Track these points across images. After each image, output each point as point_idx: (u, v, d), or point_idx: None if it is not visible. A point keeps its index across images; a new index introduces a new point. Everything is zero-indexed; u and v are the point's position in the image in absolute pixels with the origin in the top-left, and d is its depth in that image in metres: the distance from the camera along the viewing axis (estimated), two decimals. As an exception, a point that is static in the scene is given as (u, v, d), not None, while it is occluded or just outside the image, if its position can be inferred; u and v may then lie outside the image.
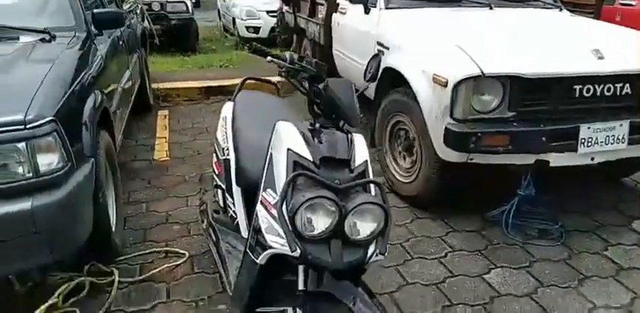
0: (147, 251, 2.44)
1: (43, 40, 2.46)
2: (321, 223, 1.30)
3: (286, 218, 1.30)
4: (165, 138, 4.14)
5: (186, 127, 4.47)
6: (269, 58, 1.50)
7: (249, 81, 2.38)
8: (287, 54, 1.55)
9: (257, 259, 1.44)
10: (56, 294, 1.95)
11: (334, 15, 4.31)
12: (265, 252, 1.40)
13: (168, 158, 3.71)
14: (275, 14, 7.96)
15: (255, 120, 2.07)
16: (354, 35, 3.90)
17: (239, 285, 1.63)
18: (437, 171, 2.73)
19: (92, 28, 2.78)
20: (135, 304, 2.08)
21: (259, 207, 1.45)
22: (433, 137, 2.65)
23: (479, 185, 3.00)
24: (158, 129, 4.34)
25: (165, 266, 2.31)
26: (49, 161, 1.71)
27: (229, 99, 2.32)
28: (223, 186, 2.00)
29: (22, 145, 1.65)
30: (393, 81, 3.05)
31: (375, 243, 1.36)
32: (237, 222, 1.89)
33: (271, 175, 1.46)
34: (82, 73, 2.25)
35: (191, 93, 5.44)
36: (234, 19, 9.08)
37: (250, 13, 8.60)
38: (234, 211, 1.92)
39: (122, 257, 2.36)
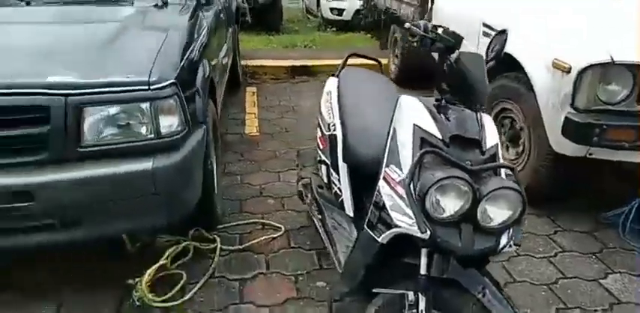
0: (244, 222, 2.46)
1: (156, 5, 2.50)
2: (450, 205, 1.23)
3: (415, 197, 1.23)
4: (255, 113, 4.18)
5: (274, 104, 4.50)
6: (407, 24, 1.41)
7: (350, 59, 2.30)
8: (421, 22, 1.45)
9: (378, 237, 1.37)
10: (165, 255, 2.00)
11: (434, -5, 4.11)
12: (390, 231, 1.33)
13: (258, 133, 3.74)
14: (362, -4, 7.81)
15: (362, 96, 2.01)
16: (456, 16, 3.69)
17: (351, 263, 1.57)
18: (547, 163, 2.53)
19: (201, -3, 2.80)
20: (236, 272, 2.10)
21: (382, 183, 1.39)
22: (548, 127, 2.45)
23: (592, 182, 2.75)
24: (247, 105, 4.40)
25: (264, 238, 2.31)
26: (169, 123, 1.73)
27: (332, 75, 2.26)
28: (328, 162, 1.95)
29: (145, 105, 1.67)
30: (501, 65, 2.83)
31: (508, 232, 1.26)
32: (342, 200, 1.84)
33: (395, 151, 1.38)
34: (195, 42, 2.26)
35: (277, 71, 5.47)
36: (318, 0, 9.01)
37: (336, -6, 8.50)
38: (338, 188, 1.87)
39: (221, 226, 2.39)
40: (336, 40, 7.42)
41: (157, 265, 1.93)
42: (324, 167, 1.98)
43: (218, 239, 2.24)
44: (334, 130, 1.90)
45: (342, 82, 2.11)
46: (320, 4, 8.87)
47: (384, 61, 5.48)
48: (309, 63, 5.65)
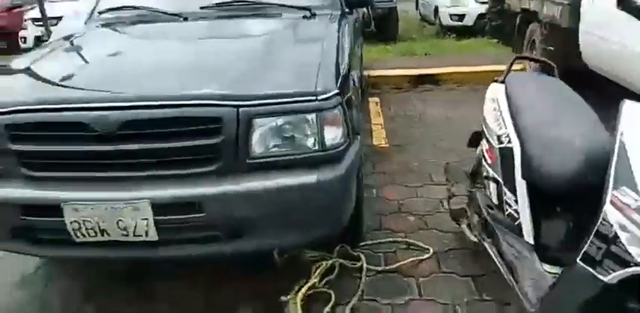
0: (387, 240, 2.31)
1: (305, 17, 2.49)
2: None
3: None
4: (381, 124, 4.06)
5: (399, 115, 4.35)
6: None
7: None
8: None
9: (604, 276, 1.13)
10: (316, 273, 1.93)
11: (587, -8, 3.69)
12: (626, 270, 1.09)
13: (387, 145, 3.61)
14: (485, 0, 7.41)
15: (539, 103, 1.77)
16: (617, 16, 3.26)
17: (554, 304, 1.34)
18: None
19: (344, 6, 2.75)
20: (386, 295, 1.95)
21: (609, 209, 1.15)
22: None
23: None
24: (372, 116, 4.29)
25: (411, 259, 2.15)
26: (334, 135, 1.65)
27: (495, 81, 2.05)
28: (499, 179, 1.73)
29: (312, 117, 1.61)
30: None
31: None
32: (519, 223, 1.61)
33: (626, 170, 1.15)
34: (345, 52, 2.19)
35: (399, 81, 5.33)
36: (436, 7, 8.73)
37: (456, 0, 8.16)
38: (514, 210, 1.64)
39: (363, 243, 2.27)
40: (457, 47, 7.08)
41: (310, 284, 1.85)
42: (493, 184, 1.77)
43: (363, 258, 2.12)
44: (508, 142, 1.69)
45: (510, 88, 1.89)
46: (438, 10, 8.59)
47: (518, 67, 5.12)
48: (433, 71, 5.43)
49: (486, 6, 7.22)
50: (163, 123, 1.56)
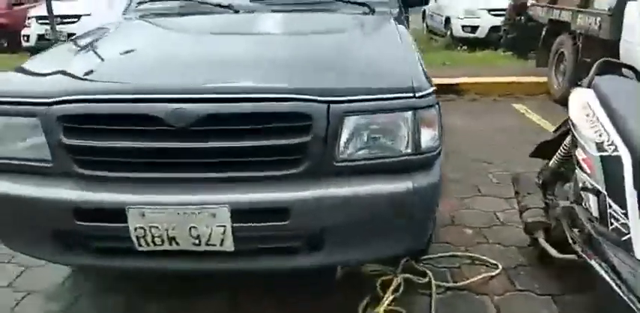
0: (450, 254, 2.17)
1: (364, 13, 2.35)
2: None
3: None
4: (412, 132, 3.92)
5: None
6: None
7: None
8: None
9: None
10: (389, 291, 1.77)
11: (631, 2, 3.64)
12: None
13: (424, 153, 3.46)
14: (499, 12, 7.38)
15: (637, 108, 1.64)
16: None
17: None
18: None
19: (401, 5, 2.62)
20: (464, 316, 1.79)
21: None
22: None
23: None
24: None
25: (482, 276, 1.99)
26: (429, 137, 1.50)
27: (579, 85, 1.93)
28: (602, 190, 1.59)
29: (408, 115, 1.45)
30: None
31: None
32: (629, 238, 1.47)
33: None
34: (417, 50, 2.05)
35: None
36: (447, 18, 8.71)
37: (470, 11, 8.14)
38: (622, 224, 1.50)
39: (425, 257, 2.11)
40: (471, 59, 7.04)
41: (385, 303, 1.69)
42: (593, 196, 1.63)
43: (430, 274, 1.97)
44: (613, 151, 1.56)
45: (601, 94, 1.77)
46: (450, 21, 8.56)
47: (541, 80, 5.06)
48: (454, 81, 5.36)
49: (500, 18, 7.19)
50: (245, 118, 1.38)
